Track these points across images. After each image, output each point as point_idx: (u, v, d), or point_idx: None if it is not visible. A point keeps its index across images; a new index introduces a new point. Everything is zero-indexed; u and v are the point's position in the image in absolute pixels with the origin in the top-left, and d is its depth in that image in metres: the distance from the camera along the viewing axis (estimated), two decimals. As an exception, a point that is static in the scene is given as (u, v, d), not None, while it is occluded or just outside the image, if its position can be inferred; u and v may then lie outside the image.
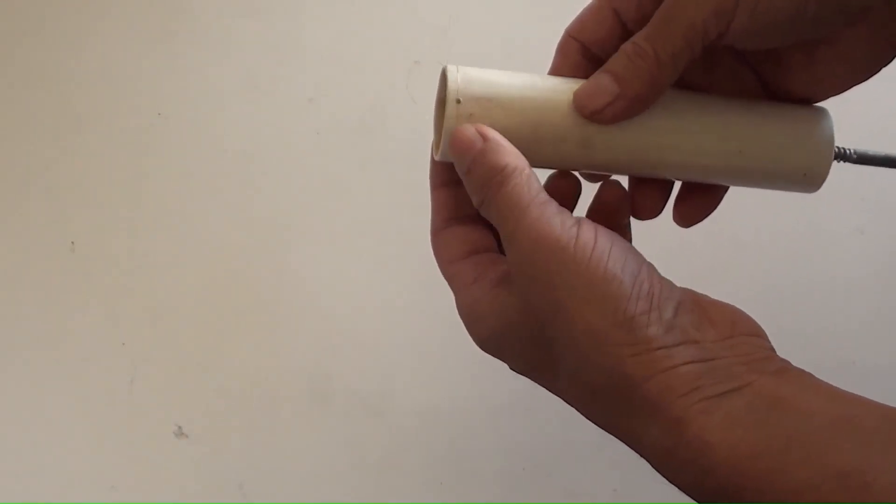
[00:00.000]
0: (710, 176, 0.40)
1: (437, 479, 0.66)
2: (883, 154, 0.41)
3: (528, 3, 0.75)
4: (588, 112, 0.37)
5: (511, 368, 0.39)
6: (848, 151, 0.41)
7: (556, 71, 0.42)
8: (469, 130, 0.36)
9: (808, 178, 0.40)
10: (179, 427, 0.67)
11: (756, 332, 0.35)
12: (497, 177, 0.35)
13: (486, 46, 0.74)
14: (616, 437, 0.36)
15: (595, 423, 0.36)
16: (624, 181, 0.41)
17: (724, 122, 0.39)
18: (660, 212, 0.41)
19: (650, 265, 0.35)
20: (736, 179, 0.40)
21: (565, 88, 0.38)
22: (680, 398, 0.32)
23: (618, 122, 0.37)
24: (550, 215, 0.34)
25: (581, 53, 0.41)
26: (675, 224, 0.42)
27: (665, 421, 0.32)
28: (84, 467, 0.66)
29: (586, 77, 0.41)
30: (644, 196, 0.41)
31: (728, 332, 0.35)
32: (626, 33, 0.41)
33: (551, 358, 0.35)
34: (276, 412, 0.67)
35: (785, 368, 0.34)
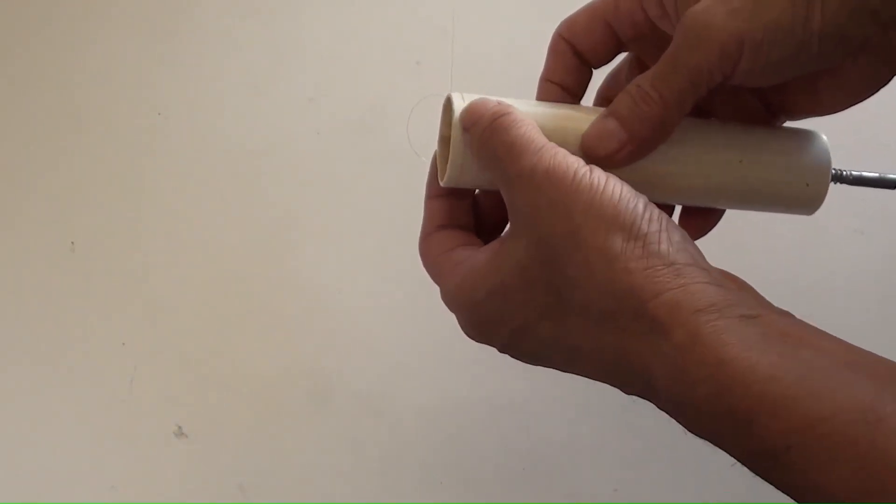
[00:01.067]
0: (708, 201, 0.41)
1: (437, 479, 0.66)
2: (877, 175, 0.42)
3: (529, 4, 0.75)
4: (597, 158, 0.38)
5: (501, 346, 0.38)
6: (844, 173, 0.41)
7: (549, 72, 0.42)
8: (489, 100, 0.37)
9: (806, 202, 0.41)
10: (179, 427, 0.67)
11: (752, 288, 0.36)
12: (506, 118, 0.36)
13: (487, 47, 0.74)
14: (623, 377, 0.35)
15: (600, 368, 0.36)
16: None
17: (722, 150, 0.40)
18: None
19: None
20: (734, 204, 0.41)
21: (569, 115, 0.39)
22: (694, 314, 0.32)
23: (626, 165, 0.38)
24: (565, 154, 0.35)
25: (573, 54, 0.42)
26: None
27: (678, 337, 0.32)
28: (84, 467, 0.66)
29: (580, 81, 0.42)
30: None
31: (730, 278, 0.36)
32: (617, 44, 0.42)
33: (558, 293, 0.35)
34: (276, 412, 0.67)
35: (790, 314, 0.34)
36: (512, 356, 0.39)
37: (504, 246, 0.36)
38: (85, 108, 0.72)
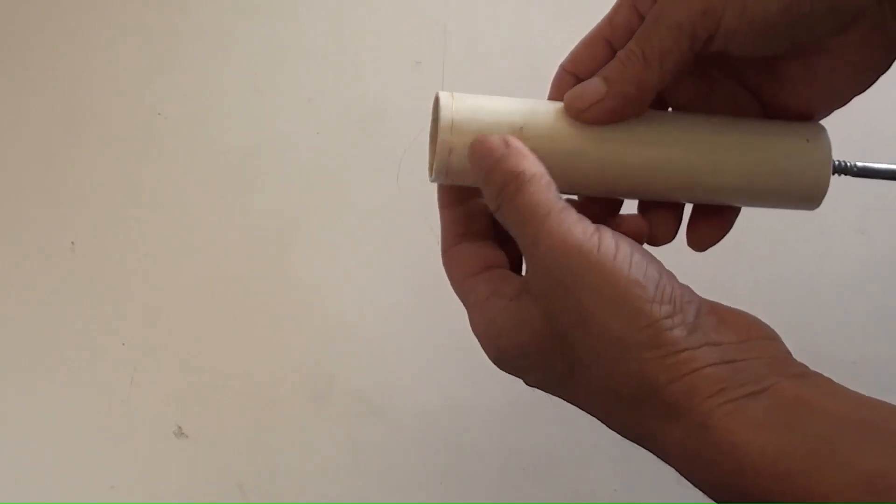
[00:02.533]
0: (706, 195, 0.40)
1: (437, 479, 0.66)
2: (883, 167, 0.41)
3: (528, 4, 0.75)
4: (575, 111, 0.37)
5: (527, 383, 0.39)
6: (849, 164, 0.40)
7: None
8: (495, 138, 0.36)
9: (808, 196, 0.40)
10: (179, 427, 0.67)
11: (771, 336, 0.35)
12: (515, 181, 0.35)
13: (486, 47, 0.74)
14: (639, 444, 0.35)
15: (617, 431, 0.36)
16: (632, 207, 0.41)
17: (721, 140, 0.39)
18: (673, 237, 0.41)
19: (669, 272, 0.35)
20: (732, 198, 0.41)
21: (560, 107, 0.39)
22: (705, 400, 0.32)
23: (605, 123, 0.38)
24: (572, 222, 0.34)
25: (577, 83, 0.41)
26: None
27: (690, 423, 0.32)
28: (84, 467, 0.66)
29: None
30: (657, 223, 0.41)
31: (745, 335, 0.35)
32: None
33: (572, 368, 0.35)
34: (276, 412, 0.67)
35: (805, 373, 0.34)
36: None
37: (522, 300, 0.36)
38: (85, 108, 0.72)
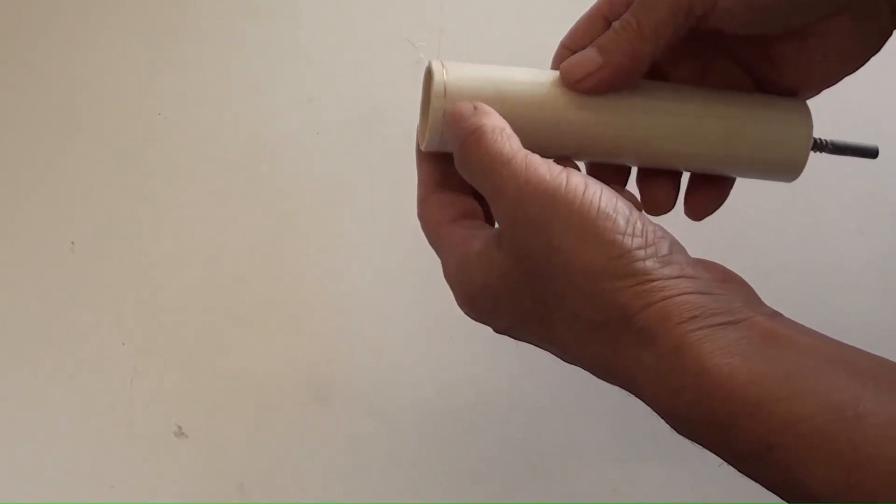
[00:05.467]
0: (689, 162, 0.41)
1: (437, 479, 0.66)
2: (857, 144, 0.42)
3: (529, 3, 0.75)
4: (571, 81, 0.38)
5: (496, 330, 0.39)
6: (826, 141, 0.41)
7: None
8: (464, 104, 0.38)
9: (788, 167, 0.41)
10: (179, 427, 0.67)
11: (746, 283, 0.36)
12: (474, 133, 0.36)
13: (486, 46, 0.74)
14: (611, 380, 0.35)
15: (589, 368, 0.36)
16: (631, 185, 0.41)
17: (706, 108, 0.40)
18: (671, 207, 0.42)
19: (642, 212, 0.35)
20: (714, 166, 0.41)
21: (553, 75, 0.40)
22: (677, 325, 0.32)
23: (600, 92, 0.38)
24: (537, 163, 0.35)
25: None
26: (674, 224, 0.43)
27: (662, 348, 0.32)
28: (84, 467, 0.66)
29: None
30: (653, 190, 0.41)
31: (721, 276, 0.36)
32: None
33: (544, 303, 0.35)
34: (276, 412, 0.67)
35: (778, 313, 0.34)
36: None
37: (491, 248, 0.36)
38: (85, 108, 0.72)
